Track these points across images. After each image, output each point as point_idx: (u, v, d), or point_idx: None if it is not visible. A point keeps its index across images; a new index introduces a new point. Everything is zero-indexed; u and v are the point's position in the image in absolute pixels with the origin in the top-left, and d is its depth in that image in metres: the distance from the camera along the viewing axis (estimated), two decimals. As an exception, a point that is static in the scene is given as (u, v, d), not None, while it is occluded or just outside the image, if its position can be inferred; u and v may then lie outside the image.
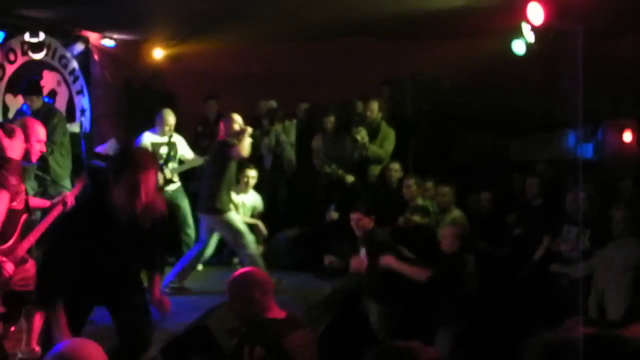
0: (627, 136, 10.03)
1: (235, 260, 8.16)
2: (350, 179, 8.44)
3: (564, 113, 9.67)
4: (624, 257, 5.41)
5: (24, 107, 7.13)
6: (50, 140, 6.60)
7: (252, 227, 8.25)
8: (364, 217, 6.15)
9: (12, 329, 4.91)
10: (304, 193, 9.13)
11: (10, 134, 4.21)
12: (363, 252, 6.12)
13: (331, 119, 8.95)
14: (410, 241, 6.43)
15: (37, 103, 7.01)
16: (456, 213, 7.22)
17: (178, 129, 8.11)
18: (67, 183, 6.86)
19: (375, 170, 8.57)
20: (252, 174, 8.26)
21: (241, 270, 3.65)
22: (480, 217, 7.62)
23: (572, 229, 6.50)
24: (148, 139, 7.87)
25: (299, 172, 9.22)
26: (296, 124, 9.46)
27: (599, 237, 6.06)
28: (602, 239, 5.96)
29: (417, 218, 7.00)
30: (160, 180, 7.72)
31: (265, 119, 9.11)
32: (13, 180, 4.19)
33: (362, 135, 8.40)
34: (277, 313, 3.43)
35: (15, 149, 4.27)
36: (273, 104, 9.16)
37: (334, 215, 8.02)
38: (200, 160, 7.97)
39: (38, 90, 7.23)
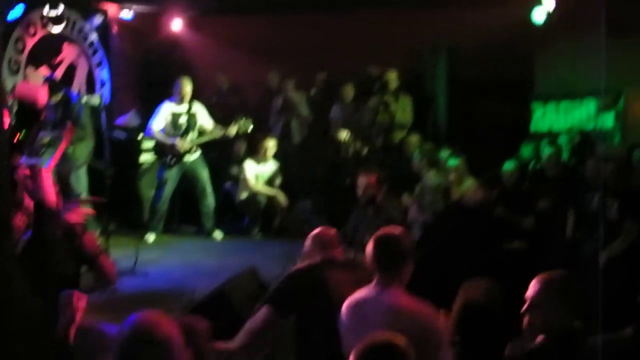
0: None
1: (255, 230, 8.26)
2: (364, 150, 8.45)
3: (585, 81, 9.62)
4: None
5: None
6: (78, 125, 7.07)
7: (271, 199, 8.33)
8: (374, 181, 5.67)
9: None
10: (317, 162, 9.18)
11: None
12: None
13: (349, 89, 8.96)
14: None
15: (57, 97, 7.31)
16: (469, 182, 7.11)
17: (197, 99, 8.14)
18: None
19: (399, 135, 8.58)
20: (270, 144, 8.31)
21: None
22: (503, 189, 7.39)
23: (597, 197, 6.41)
24: (168, 108, 7.92)
25: (312, 141, 9.28)
26: (314, 93, 9.52)
27: (628, 209, 5.88)
28: (631, 210, 5.81)
29: None
30: (181, 150, 7.80)
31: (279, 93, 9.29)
32: None
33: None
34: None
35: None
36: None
37: None
38: (220, 132, 8.01)
39: (57, 89, 7.47)
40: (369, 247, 3.22)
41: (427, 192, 6.91)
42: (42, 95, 2.62)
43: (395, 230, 3.34)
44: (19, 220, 2.49)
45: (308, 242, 4.04)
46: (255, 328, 3.62)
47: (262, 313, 3.63)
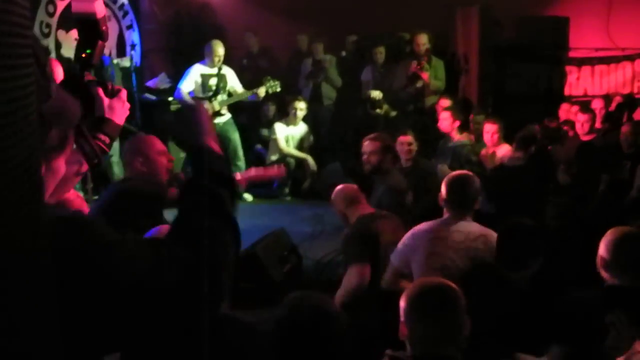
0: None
1: (286, 191, 8.29)
2: (392, 113, 8.39)
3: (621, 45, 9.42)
4: None
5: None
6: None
7: (301, 162, 8.33)
8: (377, 148, 5.14)
9: None
10: (347, 125, 9.14)
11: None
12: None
13: (381, 50, 8.86)
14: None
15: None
16: (506, 148, 7.03)
17: (227, 62, 8.12)
18: None
19: (431, 100, 8.50)
20: (300, 105, 8.30)
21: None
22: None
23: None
24: (197, 70, 7.92)
25: (342, 104, 9.23)
26: (344, 56, 9.45)
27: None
28: None
29: None
30: (210, 112, 7.81)
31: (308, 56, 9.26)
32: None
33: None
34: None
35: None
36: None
37: None
38: (249, 94, 8.01)
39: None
40: (443, 187, 3.67)
41: (456, 154, 6.86)
42: (99, 5, 2.45)
43: (468, 172, 3.89)
44: (103, 137, 2.38)
45: (335, 199, 4.37)
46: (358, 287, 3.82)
47: (355, 272, 3.83)
